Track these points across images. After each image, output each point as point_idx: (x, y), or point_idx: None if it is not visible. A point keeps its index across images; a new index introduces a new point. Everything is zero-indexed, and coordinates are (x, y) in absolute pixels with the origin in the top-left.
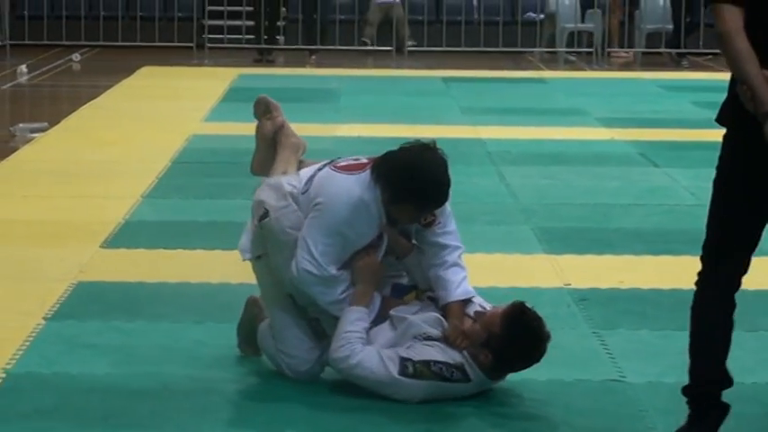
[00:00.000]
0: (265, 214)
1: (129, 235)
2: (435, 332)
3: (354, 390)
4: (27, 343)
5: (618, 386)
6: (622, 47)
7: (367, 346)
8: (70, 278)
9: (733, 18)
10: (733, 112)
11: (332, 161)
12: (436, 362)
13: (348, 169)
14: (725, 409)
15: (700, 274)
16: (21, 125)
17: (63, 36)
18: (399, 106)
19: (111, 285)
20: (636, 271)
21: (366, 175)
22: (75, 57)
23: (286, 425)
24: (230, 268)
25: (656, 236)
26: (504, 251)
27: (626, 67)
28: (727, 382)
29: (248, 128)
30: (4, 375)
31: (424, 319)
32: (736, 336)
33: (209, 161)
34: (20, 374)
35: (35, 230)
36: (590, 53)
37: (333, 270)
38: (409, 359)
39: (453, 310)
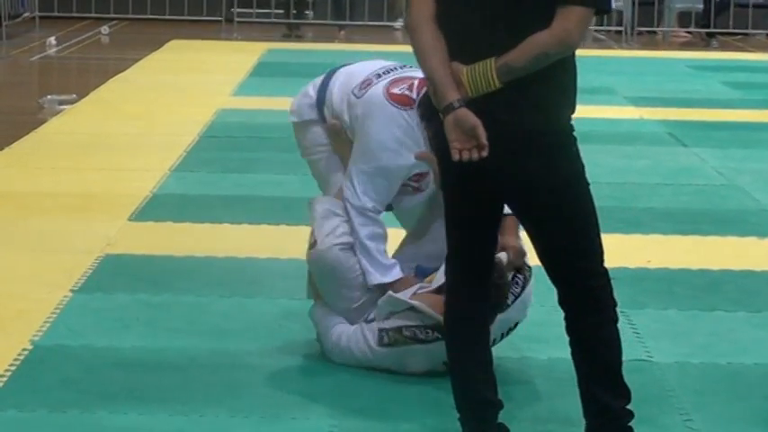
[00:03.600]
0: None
1: (156, 208)
2: (415, 302)
3: (381, 370)
4: (54, 315)
5: (645, 366)
6: (651, 26)
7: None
8: (97, 251)
9: (421, 9)
10: None
11: (388, 75)
12: (408, 326)
13: (401, 102)
14: None
15: None
16: (49, 97)
17: (92, 8)
18: None
19: (137, 258)
20: (664, 251)
21: (413, 112)
22: (104, 30)
23: (311, 401)
24: (257, 243)
25: (685, 216)
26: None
27: (686, 46)
28: None
29: (276, 102)
30: (31, 347)
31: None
32: (765, 317)
33: (236, 135)
34: (47, 346)
35: (63, 203)
36: (619, 32)
37: (369, 203)
38: (384, 329)
39: (510, 226)
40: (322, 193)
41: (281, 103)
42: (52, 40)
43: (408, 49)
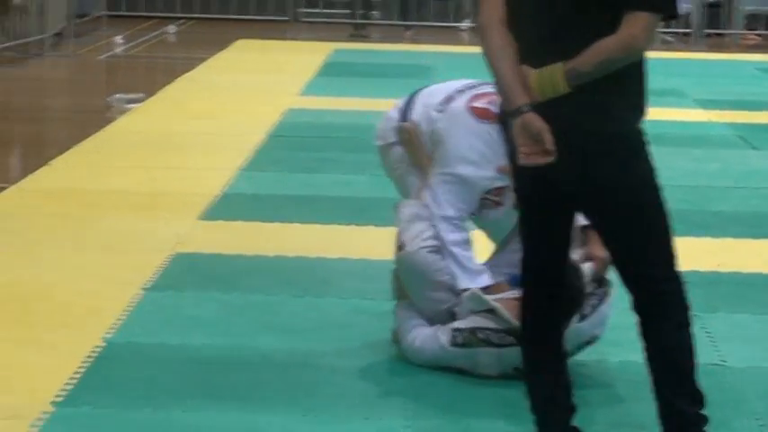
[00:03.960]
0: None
1: (226, 207)
2: (495, 304)
3: (453, 371)
4: (126, 313)
5: (718, 370)
6: (718, 28)
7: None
8: (168, 249)
9: (491, 11)
10: None
11: (471, 91)
12: (482, 329)
13: (483, 116)
14: None
15: None
16: (117, 95)
17: (159, 7)
18: None
19: (208, 257)
20: (735, 254)
21: (495, 126)
22: (171, 28)
23: (384, 400)
24: (327, 242)
25: (756, 219)
26: None
27: (754, 48)
28: None
29: (344, 102)
30: (104, 344)
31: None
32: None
33: (305, 135)
34: (119, 344)
35: (133, 201)
36: (687, 34)
37: (451, 211)
38: (458, 329)
39: (596, 237)
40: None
41: (349, 103)
42: (119, 38)
43: (474, 50)
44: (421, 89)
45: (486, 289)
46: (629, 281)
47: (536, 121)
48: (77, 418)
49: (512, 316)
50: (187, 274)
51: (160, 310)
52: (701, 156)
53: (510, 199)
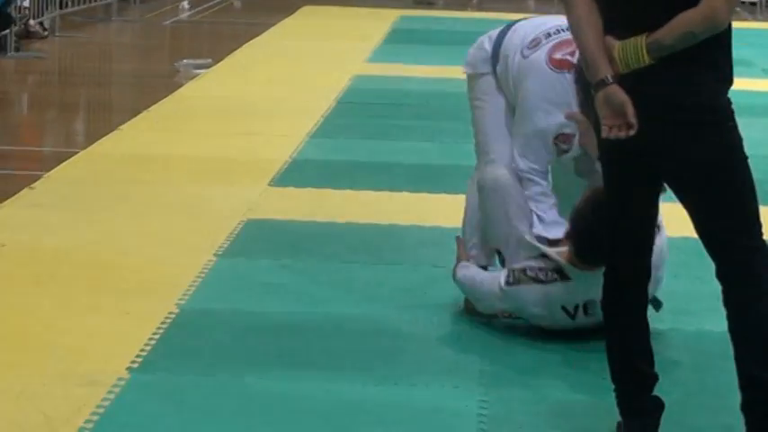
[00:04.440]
0: None
1: (296, 173)
2: (546, 248)
3: (530, 333)
4: (199, 279)
5: None
6: None
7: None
8: (239, 215)
9: None
10: None
11: (557, 37)
12: (531, 267)
13: (560, 66)
14: None
15: None
16: (185, 61)
17: None
18: None
19: (279, 223)
20: None
21: (571, 76)
22: None
23: (459, 369)
24: (399, 210)
25: None
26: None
27: None
28: None
29: (411, 69)
30: (177, 311)
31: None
32: None
33: (373, 102)
34: (193, 310)
35: (202, 167)
36: (753, 3)
37: (526, 165)
38: (512, 269)
39: None
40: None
41: (416, 71)
42: (185, 4)
43: (543, 18)
44: (515, 22)
45: (557, 241)
46: (714, 249)
47: (619, 94)
48: (154, 384)
49: (560, 257)
50: (259, 240)
51: (233, 276)
52: None
53: (574, 147)
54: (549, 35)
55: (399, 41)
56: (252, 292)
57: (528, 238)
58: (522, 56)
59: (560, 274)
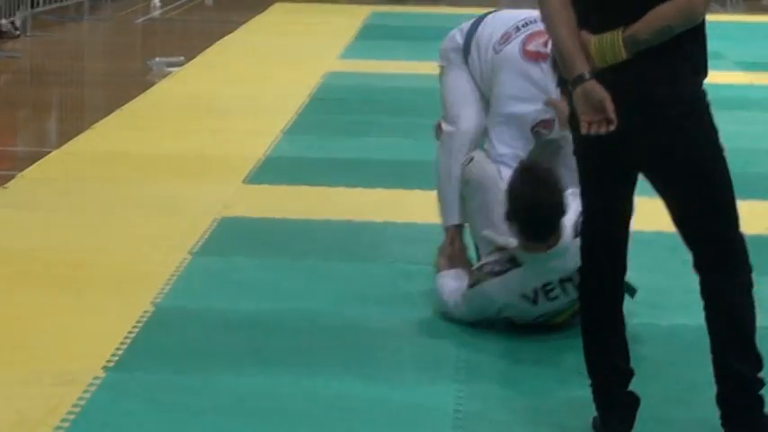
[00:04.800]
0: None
1: (270, 171)
2: (498, 238)
3: (506, 329)
4: (174, 277)
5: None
6: None
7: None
8: (214, 213)
9: None
10: None
11: (527, 29)
12: (486, 263)
13: (534, 58)
14: None
15: None
16: (157, 59)
17: None
18: None
19: (254, 221)
20: None
21: (546, 64)
22: None
23: (436, 365)
24: (373, 206)
25: None
26: (645, 195)
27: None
28: None
29: (383, 65)
30: (153, 309)
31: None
32: None
33: (346, 98)
34: (168, 308)
35: (176, 165)
36: None
37: (505, 149)
38: (472, 271)
39: None
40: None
41: (388, 67)
42: (156, 2)
43: (516, 13)
44: (485, 15)
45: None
46: (692, 239)
47: (597, 90)
48: (130, 383)
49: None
50: (233, 238)
51: (208, 274)
52: (744, 118)
53: (554, 132)
54: (518, 29)
55: (372, 38)
56: (227, 289)
57: (487, 233)
58: (494, 51)
59: (514, 262)
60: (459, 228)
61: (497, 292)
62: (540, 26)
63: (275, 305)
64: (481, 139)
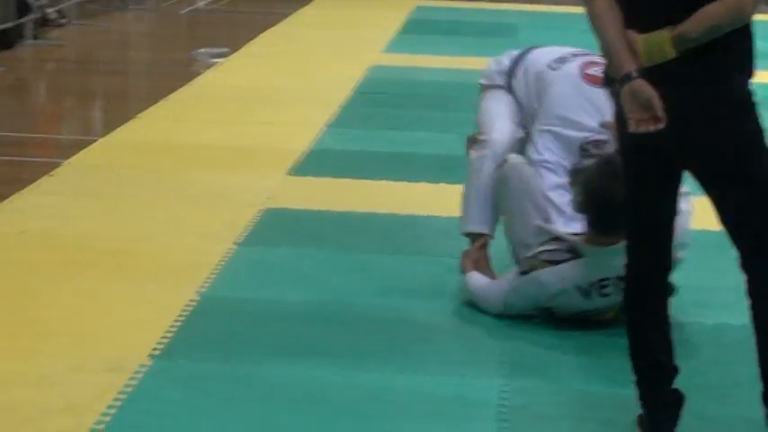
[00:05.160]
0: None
1: (314, 163)
2: (558, 230)
3: (550, 323)
4: (219, 267)
5: None
6: None
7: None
8: (258, 204)
9: None
10: None
11: (584, 57)
12: (543, 251)
13: (594, 82)
14: None
15: None
16: (202, 50)
17: None
18: (581, 43)
19: (299, 213)
20: None
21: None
22: None
23: (480, 359)
24: (417, 200)
25: None
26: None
27: None
28: None
29: (427, 60)
30: (198, 298)
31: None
32: None
33: (390, 92)
34: (214, 298)
35: (221, 155)
36: None
37: (550, 156)
38: (525, 258)
39: None
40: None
41: (432, 61)
42: None
43: (558, 9)
44: (534, 47)
45: (576, 235)
46: (738, 237)
47: (645, 88)
48: (175, 371)
49: (578, 240)
50: (278, 229)
51: (253, 265)
52: None
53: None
54: (574, 55)
55: (416, 32)
56: (271, 280)
57: (541, 224)
58: (549, 68)
59: (574, 253)
60: (487, 237)
61: (554, 280)
62: (595, 56)
63: (319, 296)
64: (514, 150)
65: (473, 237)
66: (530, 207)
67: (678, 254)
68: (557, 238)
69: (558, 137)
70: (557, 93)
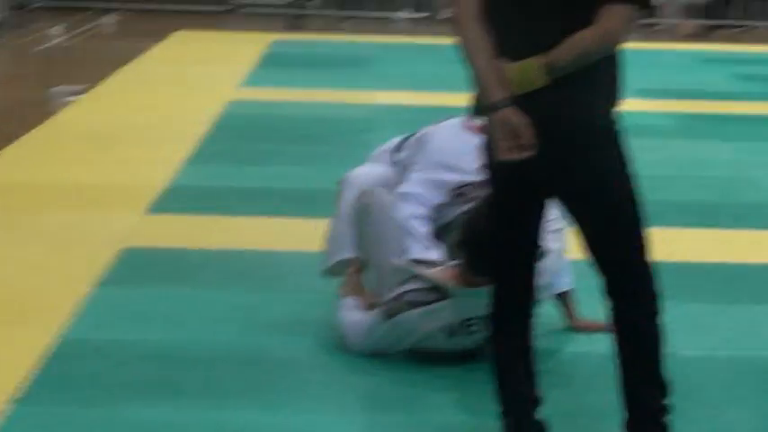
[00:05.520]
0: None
1: (173, 200)
2: (418, 269)
3: (414, 356)
4: (79, 309)
5: (671, 360)
6: (652, 17)
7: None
8: (117, 243)
9: (467, 6)
10: None
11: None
12: (408, 291)
13: (473, 130)
14: None
15: None
16: (58, 88)
17: None
18: (437, 74)
19: (158, 251)
20: (682, 244)
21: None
22: (109, 20)
23: (344, 395)
24: (277, 236)
25: (701, 208)
26: None
27: (688, 38)
28: None
29: (285, 94)
30: (59, 341)
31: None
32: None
33: (249, 127)
34: (74, 340)
35: (78, 195)
36: None
37: (416, 189)
38: (386, 301)
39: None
40: None
41: (290, 95)
42: (57, 29)
43: (413, 40)
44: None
45: (430, 263)
46: (602, 265)
47: (515, 116)
48: (38, 416)
49: (443, 279)
50: (138, 268)
51: (113, 305)
52: (643, 145)
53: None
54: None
55: (273, 66)
56: (132, 320)
57: (397, 262)
58: (431, 127)
59: (439, 292)
60: (358, 260)
61: (419, 323)
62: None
63: (182, 336)
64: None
65: (344, 265)
66: (389, 237)
67: (543, 294)
68: (416, 277)
69: (431, 180)
70: (435, 142)
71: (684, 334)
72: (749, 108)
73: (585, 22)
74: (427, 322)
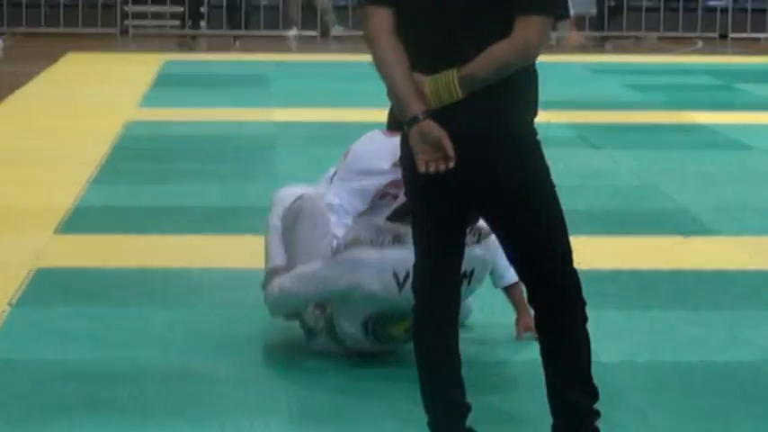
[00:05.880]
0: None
1: (81, 220)
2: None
3: (340, 367)
4: None
5: (593, 366)
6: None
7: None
8: (28, 264)
9: (380, 21)
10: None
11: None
12: (365, 235)
13: (392, 132)
14: None
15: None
16: None
17: None
18: (333, 90)
19: (70, 271)
20: (590, 252)
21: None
22: None
23: (268, 407)
24: (188, 253)
25: (606, 217)
26: None
27: (580, 49)
28: None
29: (182, 113)
30: None
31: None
32: (702, 315)
33: (149, 147)
34: None
35: None
36: None
37: (335, 200)
38: (340, 243)
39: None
40: None
41: (188, 114)
42: None
43: (309, 57)
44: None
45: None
46: (527, 276)
47: (434, 128)
48: None
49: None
50: (51, 289)
51: (29, 326)
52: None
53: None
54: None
55: (168, 85)
56: (51, 340)
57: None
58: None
59: (397, 240)
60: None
61: (373, 261)
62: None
63: (102, 354)
64: None
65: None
66: (316, 242)
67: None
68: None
69: (352, 189)
70: (353, 152)
71: (603, 340)
72: (646, 117)
73: (501, 34)
74: (380, 262)
